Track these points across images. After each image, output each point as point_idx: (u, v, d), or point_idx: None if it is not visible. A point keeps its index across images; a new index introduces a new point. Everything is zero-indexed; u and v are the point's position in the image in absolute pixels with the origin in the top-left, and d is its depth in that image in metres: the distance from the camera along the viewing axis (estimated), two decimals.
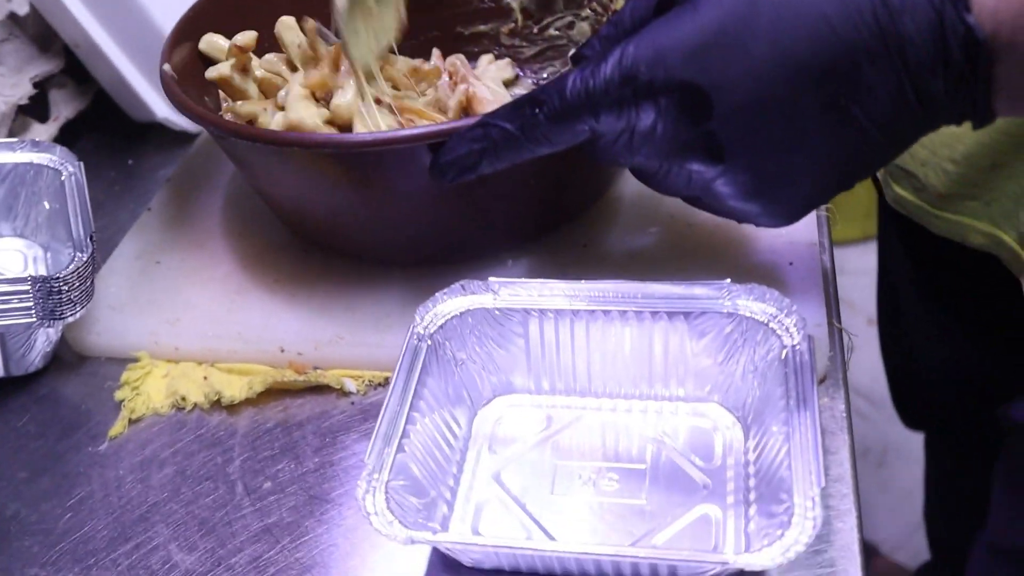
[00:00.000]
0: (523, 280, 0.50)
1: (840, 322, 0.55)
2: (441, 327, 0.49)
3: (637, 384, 0.51)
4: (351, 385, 0.54)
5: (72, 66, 0.77)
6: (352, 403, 0.54)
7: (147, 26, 0.71)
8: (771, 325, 0.48)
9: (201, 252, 0.62)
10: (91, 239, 0.56)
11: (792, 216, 0.47)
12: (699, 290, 0.49)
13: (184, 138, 0.75)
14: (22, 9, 0.78)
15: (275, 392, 0.54)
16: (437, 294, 0.50)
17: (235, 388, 0.54)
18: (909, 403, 0.99)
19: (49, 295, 0.53)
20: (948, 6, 0.39)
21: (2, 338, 0.55)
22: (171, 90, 0.55)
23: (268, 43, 0.62)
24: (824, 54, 0.40)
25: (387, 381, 0.54)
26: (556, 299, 0.49)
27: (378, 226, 0.55)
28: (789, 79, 0.41)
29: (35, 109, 0.74)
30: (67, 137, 0.76)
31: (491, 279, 0.50)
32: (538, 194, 0.55)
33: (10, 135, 0.72)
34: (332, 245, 0.59)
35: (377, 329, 0.55)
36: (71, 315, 0.54)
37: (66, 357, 0.59)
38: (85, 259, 0.55)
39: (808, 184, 0.45)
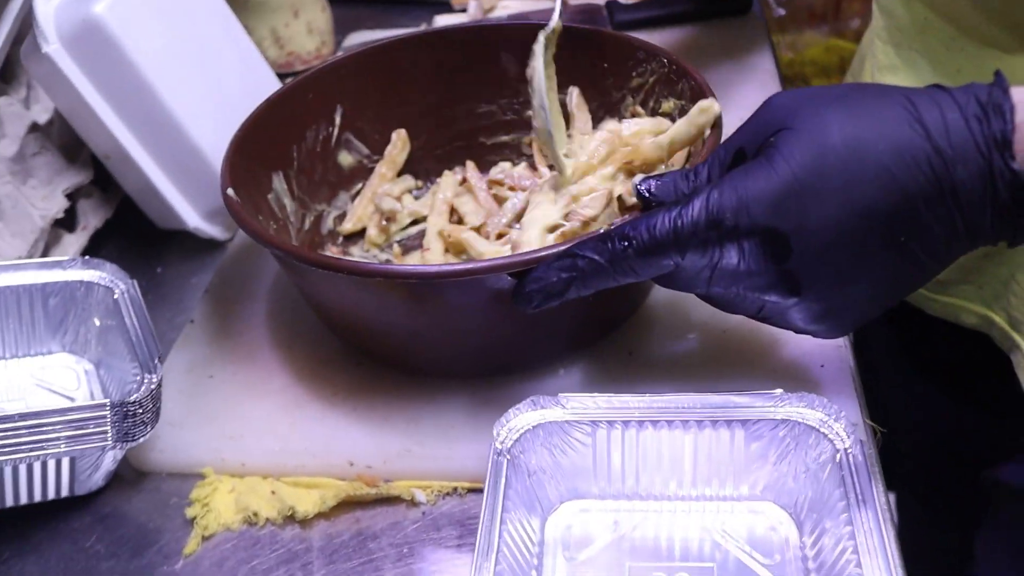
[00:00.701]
0: (590, 394, 0.53)
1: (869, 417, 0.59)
2: (516, 440, 0.52)
3: (696, 485, 0.54)
4: (421, 496, 0.56)
5: (98, 175, 0.78)
6: (423, 513, 0.56)
7: (178, 135, 0.73)
8: (822, 430, 0.52)
9: (253, 365, 0.64)
10: (159, 359, 0.58)
11: (847, 330, 0.52)
12: (754, 399, 0.53)
13: (211, 244, 0.77)
14: (43, 117, 0.80)
15: (346, 504, 0.56)
16: (510, 410, 0.53)
17: (308, 502, 0.56)
18: (883, 463, 1.03)
19: (124, 418, 0.55)
20: (996, 154, 0.44)
21: (72, 461, 0.56)
22: (240, 217, 0.57)
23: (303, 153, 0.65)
24: (887, 200, 0.45)
25: (455, 491, 0.56)
26: (621, 411, 0.53)
27: (441, 343, 0.58)
28: (858, 223, 0.46)
29: (63, 219, 0.75)
30: (92, 245, 0.77)
31: (560, 395, 0.53)
32: (588, 308, 0.58)
33: (45, 246, 0.73)
34: (390, 360, 0.61)
35: (443, 441, 0.57)
36: (142, 437, 0.55)
37: (126, 474, 0.60)
38: (157, 381, 0.56)
39: (867, 306, 0.49)
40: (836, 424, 0.52)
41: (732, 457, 0.54)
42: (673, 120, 0.68)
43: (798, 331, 0.53)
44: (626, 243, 0.49)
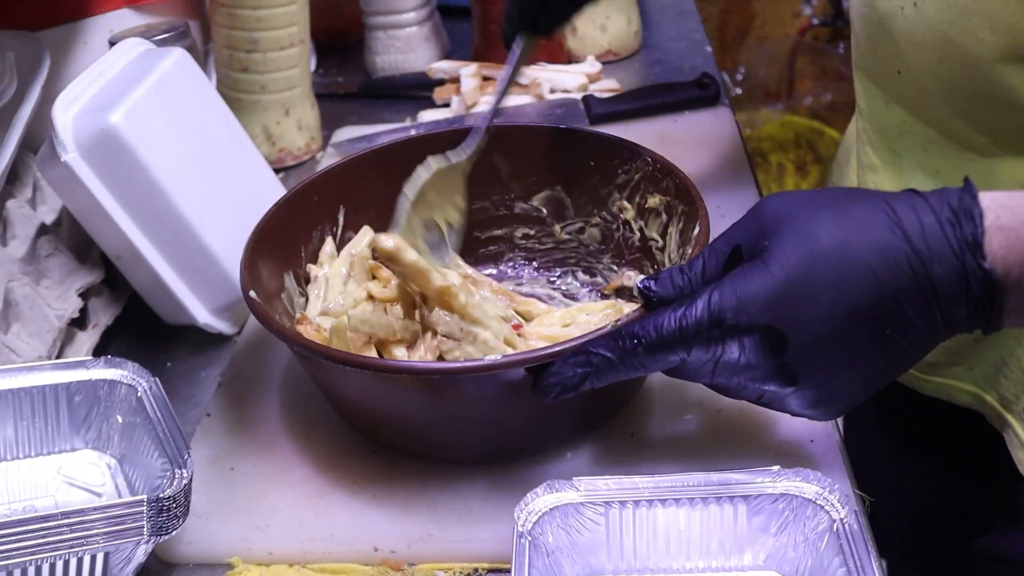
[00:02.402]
0: (602, 477, 0.57)
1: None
2: (536, 523, 0.55)
3: (704, 558, 0.58)
4: None
5: (107, 274, 0.81)
6: None
7: (189, 236, 0.76)
8: (818, 502, 0.56)
9: (272, 457, 0.67)
10: (188, 454, 0.60)
11: (840, 413, 0.56)
12: (753, 476, 0.57)
13: (219, 339, 0.80)
14: (49, 218, 0.83)
15: None
16: (528, 494, 0.56)
17: None
18: (875, 529, 1.06)
19: (159, 513, 0.57)
20: (968, 255, 0.49)
21: (106, 556, 0.58)
22: (264, 317, 0.61)
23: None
24: (873, 297, 0.50)
25: (476, 571, 0.59)
26: (630, 491, 0.56)
27: (458, 433, 0.62)
28: (848, 319, 0.51)
29: (75, 317, 0.78)
30: (102, 342, 0.80)
31: (574, 478, 0.56)
32: (593, 395, 0.62)
33: (60, 345, 0.75)
34: (408, 449, 0.64)
35: (462, 524, 0.60)
36: (174, 531, 0.58)
37: (154, 567, 0.62)
38: (188, 475, 0.59)
39: (859, 391, 0.54)
40: (831, 496, 0.56)
41: (736, 530, 0.57)
42: (659, 214, 0.73)
43: (795, 415, 0.57)
44: (635, 341, 0.54)
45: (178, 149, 0.76)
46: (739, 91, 1.86)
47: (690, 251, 0.66)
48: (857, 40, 0.73)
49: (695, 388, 0.67)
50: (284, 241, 0.71)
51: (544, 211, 0.79)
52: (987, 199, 0.50)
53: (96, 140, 0.72)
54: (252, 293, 0.63)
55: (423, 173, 0.69)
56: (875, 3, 0.67)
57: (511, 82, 0.73)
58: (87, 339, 0.78)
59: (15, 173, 0.88)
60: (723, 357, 0.53)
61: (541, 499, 0.56)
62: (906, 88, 0.68)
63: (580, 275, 0.79)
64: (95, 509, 0.56)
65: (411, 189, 0.68)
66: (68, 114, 0.73)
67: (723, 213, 0.86)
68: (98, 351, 0.79)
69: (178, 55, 0.80)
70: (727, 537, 0.58)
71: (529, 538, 0.54)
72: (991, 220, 0.49)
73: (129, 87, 0.75)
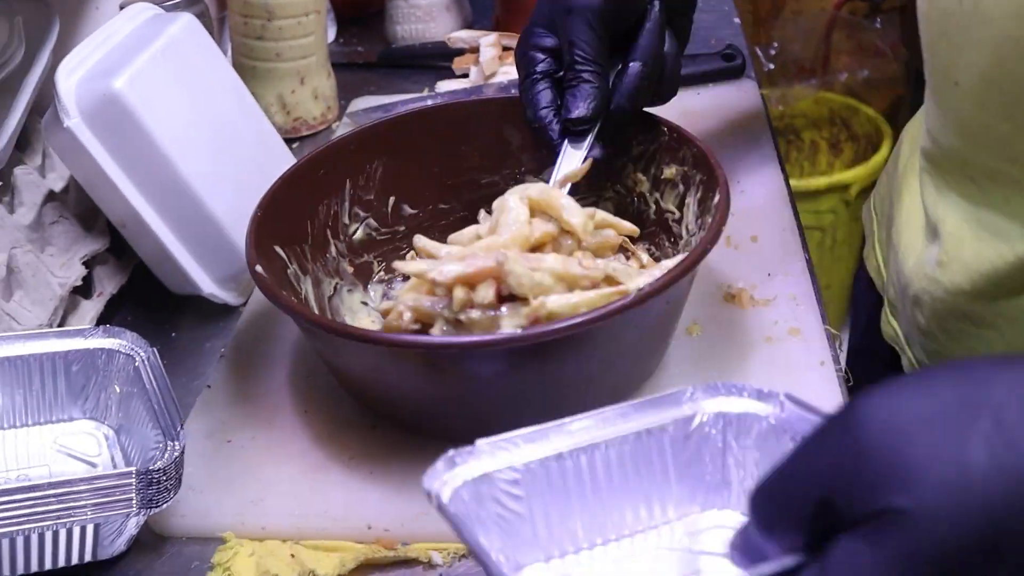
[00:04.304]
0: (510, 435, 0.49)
1: None
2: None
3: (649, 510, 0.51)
4: (438, 558, 0.58)
5: (113, 242, 0.80)
6: (440, 575, 0.57)
7: (194, 204, 0.75)
8: (752, 410, 0.49)
9: (271, 429, 0.65)
10: (181, 426, 0.59)
11: None
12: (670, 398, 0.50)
13: (224, 309, 0.79)
14: (58, 185, 0.82)
15: (365, 566, 0.58)
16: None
17: (328, 565, 0.57)
18: None
19: (148, 485, 0.56)
20: None
21: (96, 527, 0.57)
22: (270, 291, 0.59)
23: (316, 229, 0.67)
24: None
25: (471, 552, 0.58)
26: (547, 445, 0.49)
27: (458, 409, 0.60)
28: None
29: (79, 285, 0.77)
30: (107, 311, 0.79)
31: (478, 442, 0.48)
32: (606, 372, 0.60)
33: (63, 313, 0.74)
34: (407, 424, 0.63)
35: None
36: (164, 503, 0.57)
37: (147, 539, 0.61)
38: (180, 448, 0.58)
39: None
40: (756, 403, 0.50)
41: (665, 469, 0.50)
42: (675, 185, 0.71)
43: None
44: None
45: (184, 116, 0.75)
46: (772, 66, 1.82)
47: (709, 220, 0.64)
48: (923, 49, 0.66)
49: (714, 362, 0.66)
50: (290, 215, 0.70)
51: None
52: None
53: (99, 106, 0.71)
54: (258, 267, 0.61)
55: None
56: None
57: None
58: (91, 308, 0.77)
59: (26, 139, 0.88)
60: None
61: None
62: (963, 103, 0.61)
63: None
64: (82, 480, 0.55)
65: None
66: (71, 79, 0.72)
67: (743, 189, 0.84)
68: (103, 320, 0.78)
69: (186, 20, 0.78)
70: (658, 479, 0.51)
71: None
72: None
73: (134, 52, 0.74)
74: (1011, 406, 0.35)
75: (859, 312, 0.97)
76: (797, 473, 0.38)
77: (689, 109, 0.96)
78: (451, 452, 0.47)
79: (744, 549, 0.40)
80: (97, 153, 0.72)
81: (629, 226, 0.68)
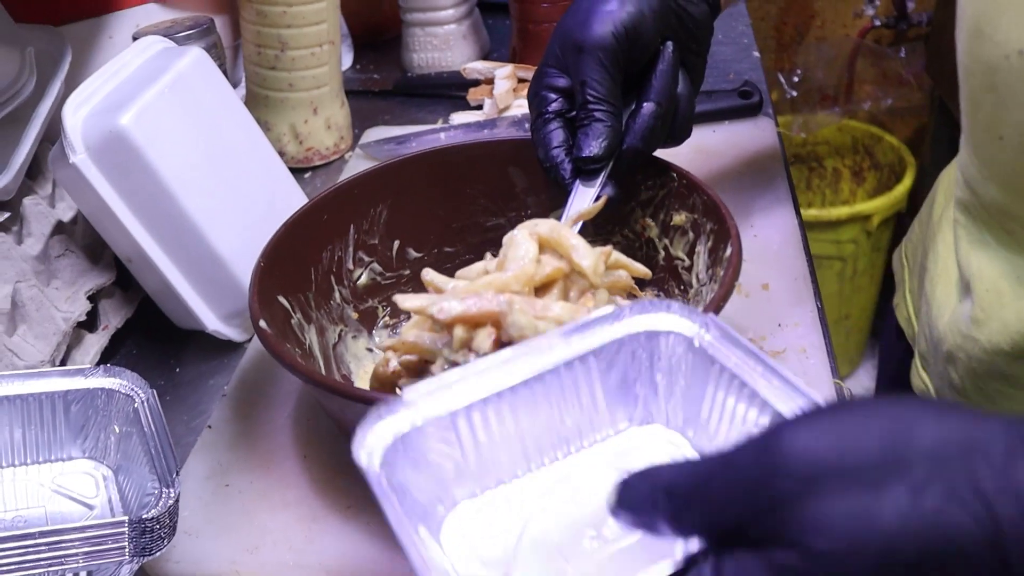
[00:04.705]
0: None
1: None
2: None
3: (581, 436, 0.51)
4: None
5: (119, 276, 0.80)
6: None
7: (199, 242, 0.74)
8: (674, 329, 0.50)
9: (269, 475, 0.65)
10: (177, 474, 0.59)
11: None
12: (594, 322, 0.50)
13: (229, 346, 0.79)
14: (67, 215, 0.82)
15: None
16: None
17: None
18: None
19: (142, 534, 0.55)
20: None
21: (89, 574, 0.57)
22: (274, 349, 0.59)
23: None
24: None
25: None
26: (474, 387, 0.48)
27: None
28: None
29: (84, 320, 0.77)
30: (112, 344, 0.79)
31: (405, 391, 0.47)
32: None
33: (67, 347, 0.74)
34: None
35: None
36: (158, 551, 0.56)
37: None
38: (175, 496, 0.57)
39: None
40: (682, 320, 0.50)
41: (595, 395, 0.51)
42: (685, 232, 0.69)
43: None
44: None
45: (190, 152, 0.74)
46: (795, 93, 1.80)
47: (722, 273, 0.63)
48: (962, 100, 0.65)
49: None
50: (294, 262, 0.69)
51: None
52: None
53: (105, 142, 0.71)
54: (262, 323, 0.61)
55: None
56: (979, 53, 0.59)
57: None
58: (96, 341, 0.77)
59: (37, 168, 0.88)
60: None
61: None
62: (1007, 157, 0.60)
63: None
64: (75, 529, 0.54)
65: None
66: (79, 115, 0.72)
67: (756, 233, 0.83)
68: (108, 353, 0.78)
69: (195, 54, 0.78)
70: (587, 405, 0.51)
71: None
72: None
73: (142, 87, 0.74)
74: (928, 466, 0.35)
75: (887, 362, 0.95)
76: (714, 490, 0.39)
77: (704, 146, 0.95)
78: (380, 407, 0.46)
79: (634, 510, 0.41)
80: (102, 189, 0.72)
81: (642, 269, 0.67)
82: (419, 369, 0.62)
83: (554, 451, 0.51)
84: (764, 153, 0.95)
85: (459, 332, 0.58)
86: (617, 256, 0.66)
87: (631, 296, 0.68)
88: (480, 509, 0.49)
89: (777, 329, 0.72)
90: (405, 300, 0.62)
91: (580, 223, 0.67)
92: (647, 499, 0.40)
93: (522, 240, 0.63)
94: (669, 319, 0.50)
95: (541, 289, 0.63)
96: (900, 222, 1.77)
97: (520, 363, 0.48)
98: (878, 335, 1.86)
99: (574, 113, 0.68)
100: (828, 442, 0.37)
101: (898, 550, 0.35)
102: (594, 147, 0.67)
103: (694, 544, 0.40)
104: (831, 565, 0.36)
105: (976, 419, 0.37)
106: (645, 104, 0.68)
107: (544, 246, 0.64)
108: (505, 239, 0.65)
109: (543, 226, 0.64)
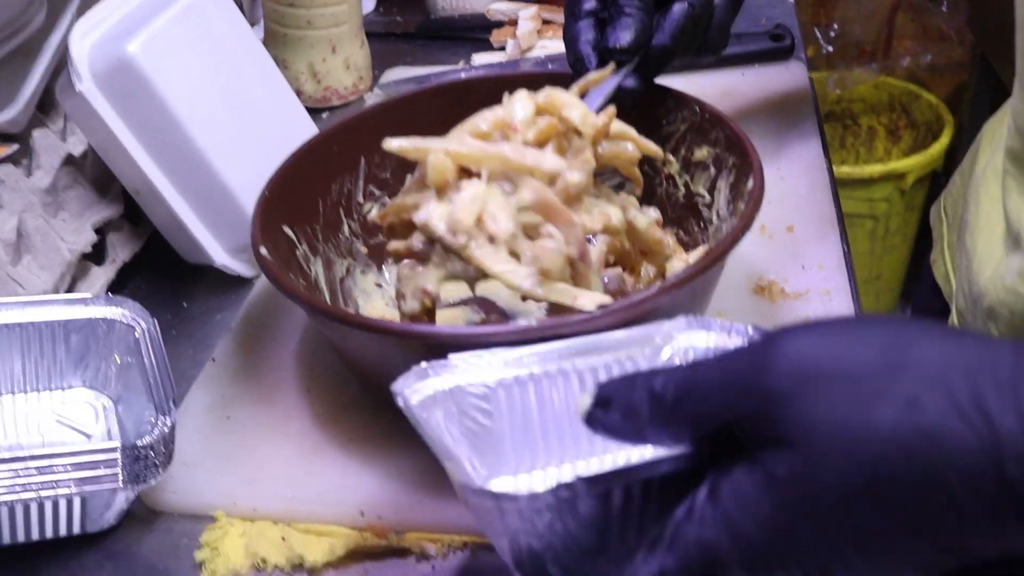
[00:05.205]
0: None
1: None
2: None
3: None
4: (431, 549, 0.55)
5: (127, 208, 0.79)
6: (432, 567, 0.55)
7: (207, 173, 0.73)
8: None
9: (272, 408, 0.63)
10: (174, 402, 0.57)
11: None
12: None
13: (238, 281, 0.77)
14: (78, 149, 0.81)
15: (355, 554, 0.56)
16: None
17: (317, 551, 0.55)
18: None
19: (135, 461, 0.54)
20: None
21: (83, 500, 0.56)
22: (273, 275, 0.57)
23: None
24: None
25: (465, 545, 0.55)
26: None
27: None
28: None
29: (92, 252, 0.75)
30: (120, 278, 0.78)
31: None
32: None
33: (72, 279, 0.73)
34: None
35: (455, 494, 0.56)
36: (153, 479, 0.55)
37: (139, 513, 0.60)
38: (170, 425, 0.56)
39: None
40: (723, 335, 0.49)
41: None
42: (706, 167, 0.67)
43: None
44: None
45: (200, 83, 0.73)
46: (831, 48, 1.76)
47: (743, 207, 0.60)
48: (1019, 40, 0.63)
49: None
50: (301, 194, 0.67)
51: None
52: None
53: (112, 70, 0.69)
54: (263, 249, 0.59)
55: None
56: None
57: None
58: (102, 275, 0.76)
59: (50, 103, 0.87)
60: None
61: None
62: None
63: None
64: (66, 454, 0.53)
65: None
66: (85, 42, 0.70)
67: (783, 175, 0.80)
68: (116, 288, 0.77)
69: None
70: None
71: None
72: None
73: (153, 15, 0.72)
74: (929, 378, 0.34)
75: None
76: (705, 389, 0.38)
77: (732, 90, 0.92)
78: (424, 364, 0.47)
79: (619, 413, 0.40)
80: (109, 118, 0.70)
81: (653, 146, 0.63)
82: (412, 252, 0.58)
83: (590, 449, 0.49)
84: (795, 97, 0.92)
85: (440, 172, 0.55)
86: (622, 126, 0.63)
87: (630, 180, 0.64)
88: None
89: (800, 271, 0.69)
90: (391, 141, 0.59)
91: (595, 100, 0.64)
92: (632, 401, 0.39)
93: (519, 99, 0.60)
94: (710, 336, 0.49)
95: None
96: (935, 181, 1.73)
97: (566, 355, 0.49)
98: (909, 298, 1.82)
99: (607, 13, 0.67)
100: (825, 348, 0.36)
101: (892, 460, 0.34)
102: (621, 38, 0.65)
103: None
104: (823, 473, 0.35)
105: (981, 341, 0.36)
106: (676, 4, 0.66)
107: (541, 112, 0.60)
108: (503, 99, 0.62)
109: (541, 93, 0.61)
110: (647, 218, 0.62)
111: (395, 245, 0.58)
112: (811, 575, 0.37)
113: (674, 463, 0.39)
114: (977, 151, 0.80)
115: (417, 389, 0.47)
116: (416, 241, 0.56)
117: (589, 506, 0.40)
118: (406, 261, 0.57)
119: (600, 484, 0.39)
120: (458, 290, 0.56)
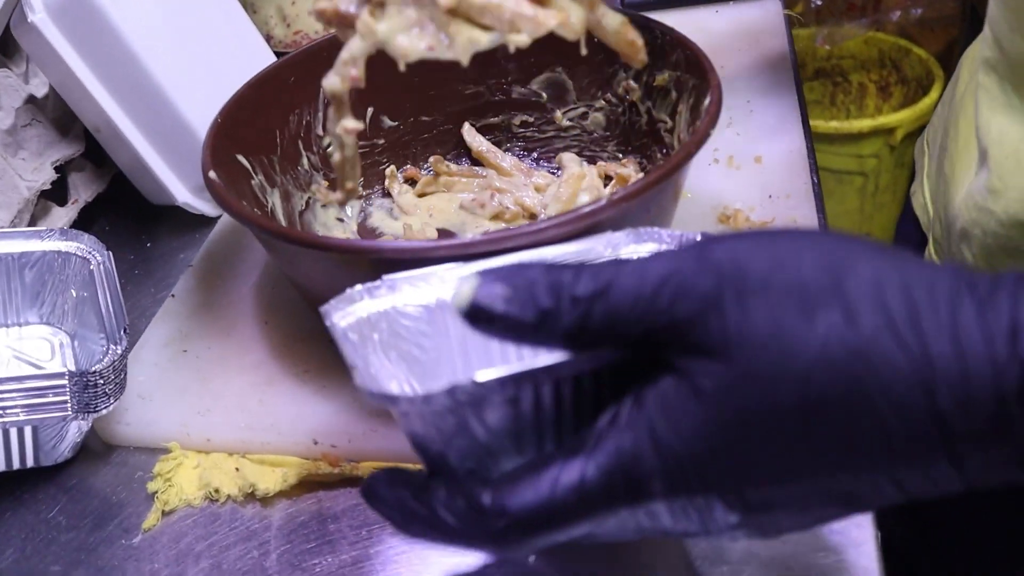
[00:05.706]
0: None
1: None
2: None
3: None
4: None
5: (90, 149, 0.77)
6: None
7: (167, 110, 0.72)
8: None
9: (228, 340, 0.62)
10: (124, 331, 0.57)
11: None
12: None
13: (202, 220, 0.76)
14: (40, 91, 0.79)
15: (308, 484, 0.55)
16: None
17: (269, 480, 0.55)
18: None
19: (85, 389, 0.54)
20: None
21: (34, 430, 0.55)
22: (220, 195, 0.56)
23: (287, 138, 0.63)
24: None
25: (420, 472, 0.54)
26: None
27: None
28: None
29: (54, 192, 0.74)
30: (84, 219, 0.77)
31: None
32: None
33: (31, 219, 0.72)
34: None
35: None
36: (104, 408, 0.54)
37: (94, 446, 0.59)
38: (120, 352, 0.55)
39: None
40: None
41: None
42: (668, 92, 0.66)
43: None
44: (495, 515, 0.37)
45: (158, 16, 0.71)
46: (819, 2, 1.74)
47: (699, 124, 0.59)
48: None
49: None
50: (257, 123, 0.66)
51: (544, 96, 0.72)
52: None
53: (66, 1, 0.68)
54: (212, 174, 0.58)
55: None
56: None
57: None
58: (64, 215, 0.75)
59: (14, 46, 0.85)
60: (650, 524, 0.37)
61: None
62: None
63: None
64: (13, 379, 0.52)
65: None
66: None
67: (753, 108, 0.79)
68: (78, 228, 0.76)
69: None
70: None
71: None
72: None
73: None
74: (865, 295, 0.33)
75: None
76: (620, 290, 0.35)
77: (705, 26, 0.91)
78: (358, 287, 0.45)
79: (519, 308, 0.36)
80: (65, 52, 0.69)
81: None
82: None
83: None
84: (769, 34, 0.90)
85: None
86: None
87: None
88: None
89: (767, 200, 0.68)
90: None
91: None
92: (536, 296, 0.36)
93: None
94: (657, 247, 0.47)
95: None
96: None
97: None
98: None
99: None
100: (763, 254, 0.34)
101: (823, 377, 0.32)
102: None
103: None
104: (752, 388, 0.33)
105: (925, 263, 0.34)
106: None
107: None
108: None
109: None
110: (618, 18, 0.59)
111: (322, 4, 0.51)
112: (730, 500, 0.35)
113: (581, 364, 0.37)
114: (957, 78, 0.79)
115: (349, 312, 0.45)
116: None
117: (499, 412, 0.38)
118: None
119: (500, 387, 0.36)
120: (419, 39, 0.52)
